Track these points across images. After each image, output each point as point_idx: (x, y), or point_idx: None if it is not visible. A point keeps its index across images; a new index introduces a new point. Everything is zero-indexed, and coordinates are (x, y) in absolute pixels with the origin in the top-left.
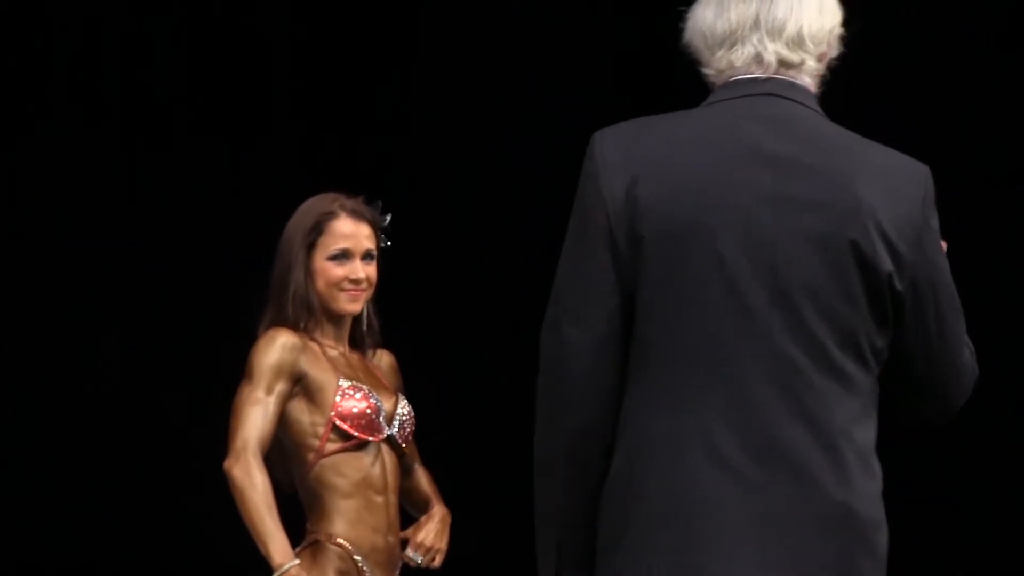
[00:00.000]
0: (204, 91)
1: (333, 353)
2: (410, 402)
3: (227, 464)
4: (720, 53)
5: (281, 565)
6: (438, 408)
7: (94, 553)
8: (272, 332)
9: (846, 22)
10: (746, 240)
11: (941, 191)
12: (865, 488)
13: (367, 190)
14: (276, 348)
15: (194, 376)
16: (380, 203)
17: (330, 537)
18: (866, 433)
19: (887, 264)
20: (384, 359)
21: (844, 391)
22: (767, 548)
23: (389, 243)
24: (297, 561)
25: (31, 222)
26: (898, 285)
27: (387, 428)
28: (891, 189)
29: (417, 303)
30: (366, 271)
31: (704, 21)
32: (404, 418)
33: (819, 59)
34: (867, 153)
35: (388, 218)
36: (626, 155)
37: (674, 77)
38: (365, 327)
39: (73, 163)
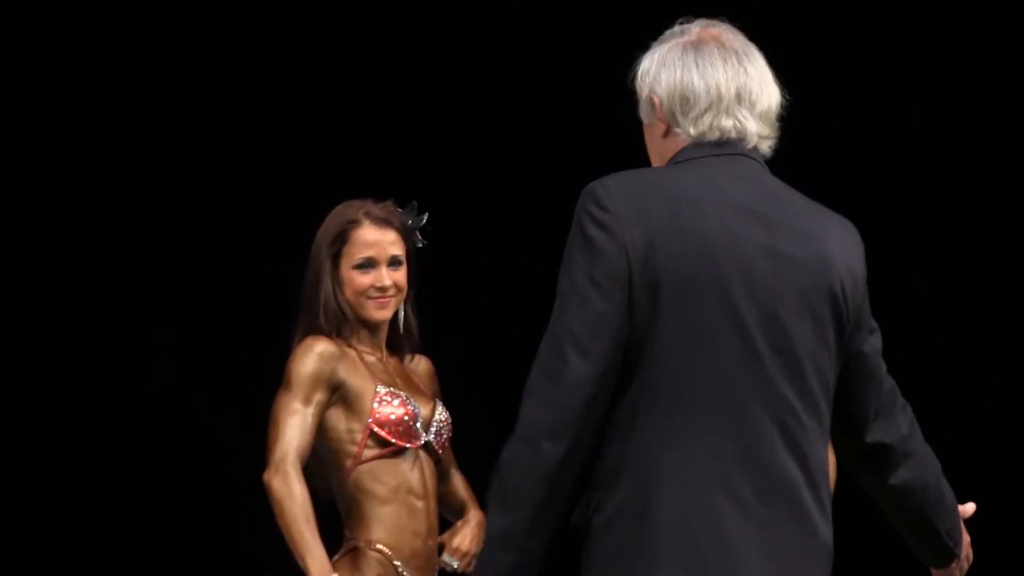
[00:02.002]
0: (246, 91)
1: (370, 359)
2: (447, 407)
3: (266, 476)
4: (706, 118)
5: None
6: (475, 413)
7: (122, 557)
8: (309, 341)
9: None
10: (751, 291)
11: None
12: (830, 522)
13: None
14: (313, 357)
15: (234, 379)
16: (415, 204)
17: (369, 543)
18: (828, 467)
19: (848, 312)
20: (421, 364)
21: (822, 431)
22: None
23: (424, 243)
24: (335, 575)
25: (72, 222)
26: (849, 330)
27: (424, 434)
28: (845, 245)
29: (453, 307)
30: (392, 277)
31: (687, 84)
32: (441, 424)
33: (775, 132)
34: (820, 211)
35: (424, 218)
36: (637, 207)
37: None
38: (402, 331)
39: (123, 167)
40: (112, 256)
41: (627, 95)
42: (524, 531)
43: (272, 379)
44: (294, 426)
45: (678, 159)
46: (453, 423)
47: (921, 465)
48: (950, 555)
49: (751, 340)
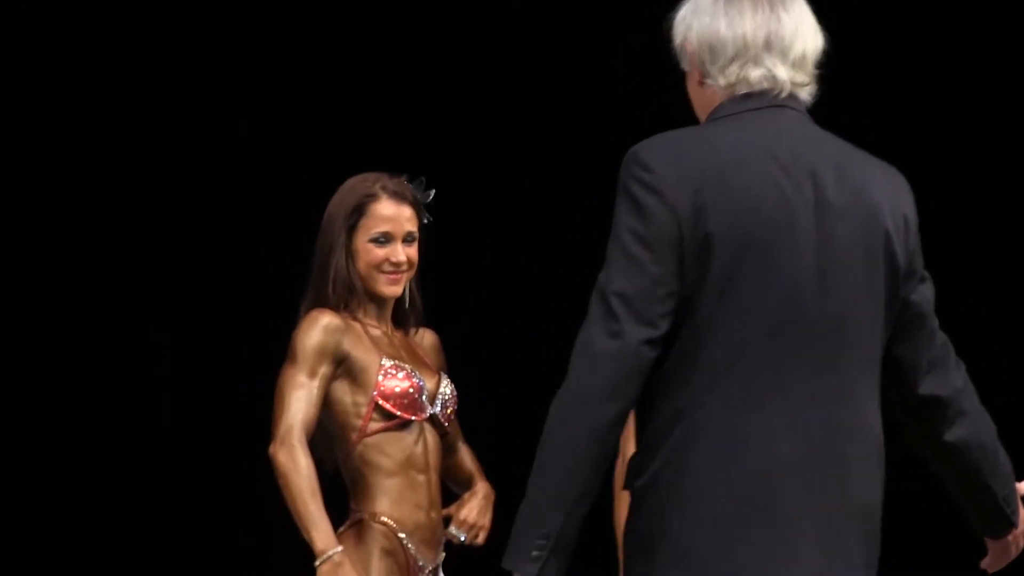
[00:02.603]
0: (247, 90)
1: (376, 332)
2: (452, 380)
3: (272, 449)
4: (732, 68)
5: (324, 551)
6: (481, 386)
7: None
8: (314, 314)
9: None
10: (798, 246)
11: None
12: (881, 482)
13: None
14: (318, 330)
15: (234, 379)
16: (423, 180)
17: (374, 516)
18: (880, 423)
19: (901, 257)
20: (427, 338)
21: (874, 386)
22: (825, 540)
23: (430, 219)
24: (340, 548)
25: (72, 222)
26: (903, 276)
27: (429, 407)
28: (894, 190)
29: (460, 281)
30: (407, 253)
31: (714, 33)
32: (446, 397)
33: (814, 79)
34: (866, 159)
35: (432, 194)
36: (680, 168)
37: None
38: (408, 305)
39: (123, 167)
40: (112, 256)
41: (628, 95)
42: (575, 491)
43: (272, 379)
44: (300, 399)
45: (717, 115)
46: (459, 396)
47: (977, 424)
48: (1007, 523)
49: (798, 298)
